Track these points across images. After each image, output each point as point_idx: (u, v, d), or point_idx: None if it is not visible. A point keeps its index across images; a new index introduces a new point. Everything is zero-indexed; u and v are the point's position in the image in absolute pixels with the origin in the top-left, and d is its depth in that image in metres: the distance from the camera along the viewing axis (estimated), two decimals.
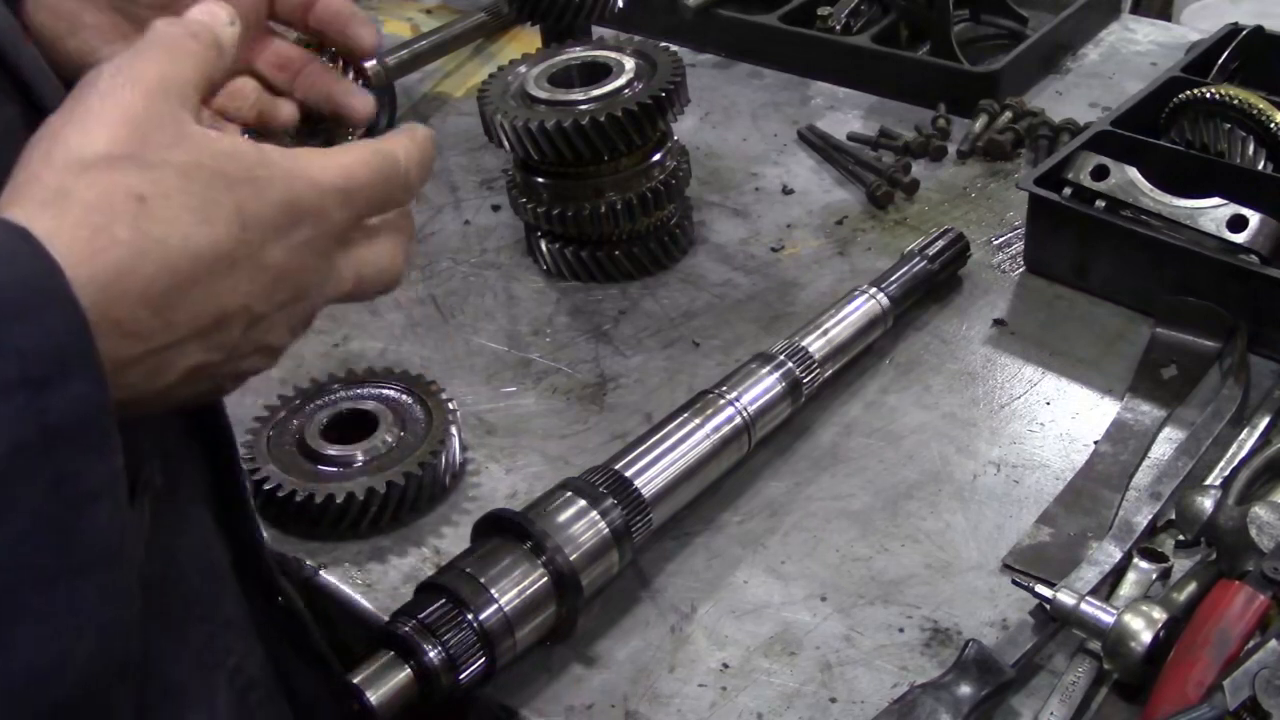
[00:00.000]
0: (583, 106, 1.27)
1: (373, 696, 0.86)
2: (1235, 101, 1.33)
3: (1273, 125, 1.32)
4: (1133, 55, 1.79)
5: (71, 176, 0.58)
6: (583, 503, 0.97)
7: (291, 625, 0.98)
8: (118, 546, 0.57)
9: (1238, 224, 1.18)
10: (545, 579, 0.93)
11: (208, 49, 0.68)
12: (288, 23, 1.09)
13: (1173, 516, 1.01)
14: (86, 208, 0.57)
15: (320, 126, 1.43)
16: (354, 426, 1.12)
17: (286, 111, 0.93)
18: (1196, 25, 2.02)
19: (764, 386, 1.12)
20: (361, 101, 1.05)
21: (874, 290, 1.23)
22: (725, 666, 0.95)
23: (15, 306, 0.51)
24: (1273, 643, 0.80)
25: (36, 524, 0.52)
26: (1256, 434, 1.09)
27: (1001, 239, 1.40)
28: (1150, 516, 1.01)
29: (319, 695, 0.97)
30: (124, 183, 0.59)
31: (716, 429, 1.07)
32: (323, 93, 1.07)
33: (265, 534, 1.08)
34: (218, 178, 0.62)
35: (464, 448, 1.15)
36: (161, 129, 0.62)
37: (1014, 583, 0.96)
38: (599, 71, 1.33)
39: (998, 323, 1.28)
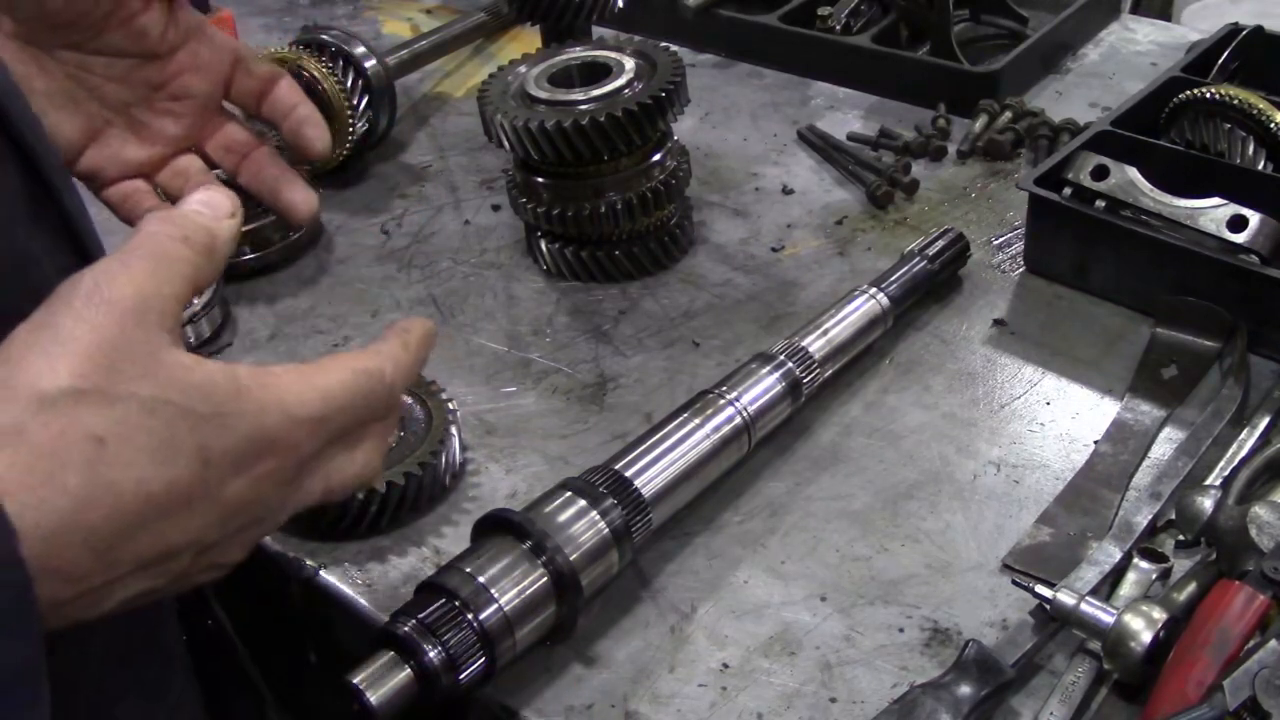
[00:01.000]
0: (583, 106, 1.27)
1: (373, 697, 0.85)
2: (1235, 101, 1.33)
3: (1273, 125, 1.32)
4: (1133, 55, 1.79)
5: (29, 413, 0.55)
6: (583, 503, 0.97)
7: (222, 652, 0.97)
8: None
9: (1238, 224, 1.18)
10: (545, 579, 0.93)
11: (199, 255, 0.65)
12: (242, 106, 1.08)
13: (1173, 516, 1.01)
14: (39, 452, 0.54)
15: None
16: None
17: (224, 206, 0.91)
18: (1196, 25, 2.02)
19: (764, 386, 1.12)
20: (304, 199, 1.04)
21: (874, 290, 1.23)
22: (725, 666, 0.95)
23: None
24: (1273, 643, 0.80)
25: None
26: (1256, 434, 1.09)
27: (1001, 239, 1.40)
28: (1150, 516, 1.01)
29: (236, 670, 0.97)
30: (83, 424, 0.56)
31: (716, 429, 1.07)
32: (267, 184, 1.08)
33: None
34: (184, 415, 0.59)
35: (464, 448, 1.15)
36: (132, 359, 0.59)
37: (1014, 583, 0.96)
38: (599, 71, 1.33)
39: (998, 323, 1.28)
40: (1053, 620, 0.92)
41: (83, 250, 0.77)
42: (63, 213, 0.76)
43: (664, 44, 1.37)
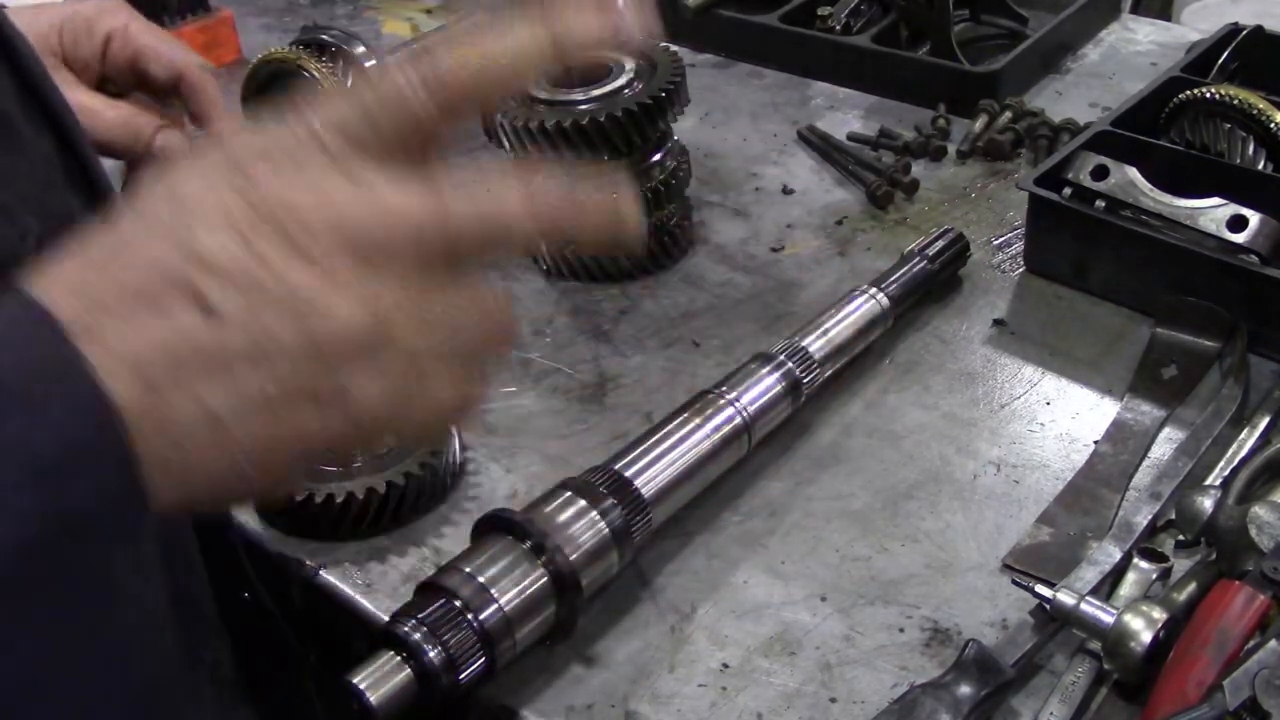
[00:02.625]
0: (583, 106, 1.27)
1: (373, 697, 0.85)
2: (1235, 101, 1.33)
3: (1273, 125, 1.32)
4: (1133, 55, 1.79)
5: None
6: (583, 503, 0.97)
7: (261, 622, 0.97)
8: (155, 621, 0.52)
9: (1238, 224, 1.18)
10: (545, 579, 0.93)
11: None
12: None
13: (1173, 516, 1.01)
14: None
15: None
16: None
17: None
18: (1196, 25, 2.02)
19: (764, 386, 1.12)
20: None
21: (874, 290, 1.23)
22: (725, 666, 0.95)
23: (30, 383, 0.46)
24: (1273, 643, 0.80)
25: (61, 615, 0.47)
26: (1256, 434, 1.09)
27: (1001, 239, 1.40)
28: (1150, 516, 1.01)
29: (291, 696, 0.97)
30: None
31: (716, 429, 1.07)
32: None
33: (266, 534, 1.09)
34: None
35: (464, 448, 1.15)
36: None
37: (1014, 583, 0.96)
38: (599, 71, 1.33)
39: (998, 323, 1.28)
40: (1053, 620, 0.92)
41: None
42: (92, 180, 0.77)
43: (664, 44, 1.37)
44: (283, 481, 0.58)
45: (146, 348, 0.50)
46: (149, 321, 0.50)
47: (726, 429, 1.08)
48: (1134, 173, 1.25)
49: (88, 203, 0.76)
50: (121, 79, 1.16)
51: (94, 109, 1.11)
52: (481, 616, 0.89)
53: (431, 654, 0.87)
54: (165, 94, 1.17)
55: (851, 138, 1.60)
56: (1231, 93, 1.34)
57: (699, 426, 1.07)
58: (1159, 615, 0.87)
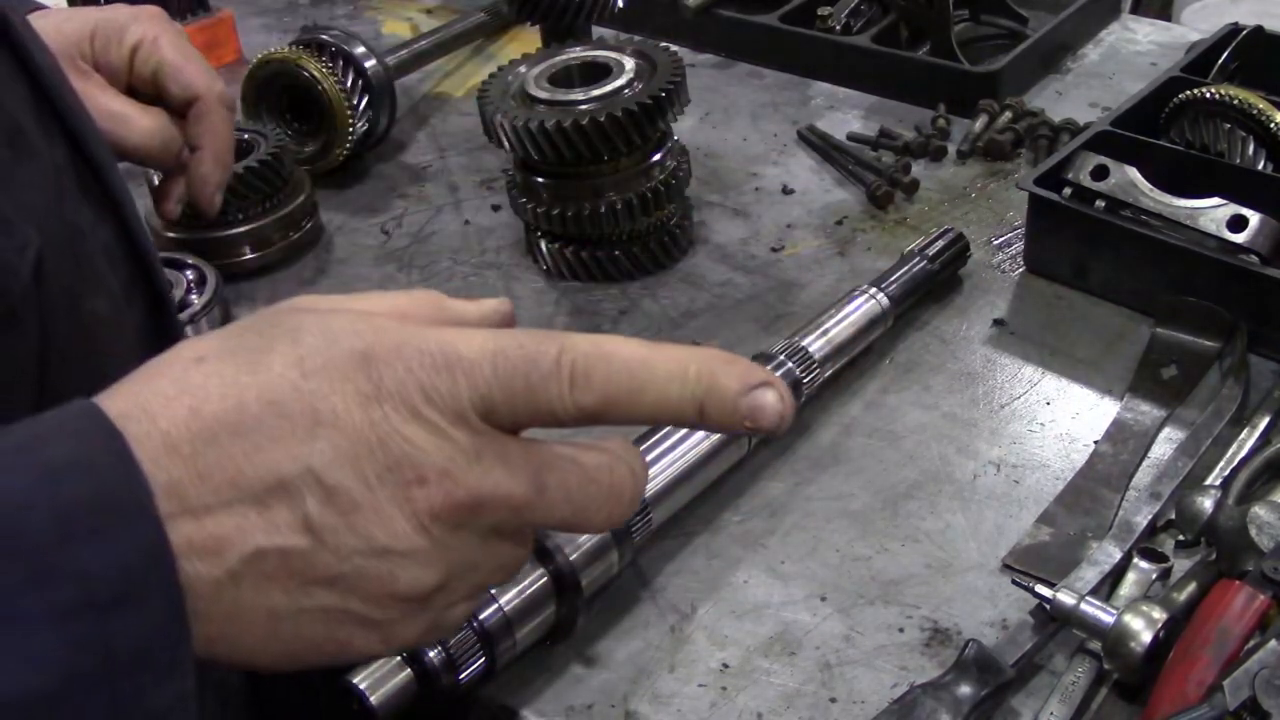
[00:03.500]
0: (583, 106, 1.27)
1: (373, 697, 0.85)
2: (1235, 101, 1.33)
3: (1273, 125, 1.32)
4: (1133, 55, 1.79)
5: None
6: None
7: None
8: None
9: (1238, 224, 1.18)
10: (545, 579, 0.93)
11: None
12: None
13: (1173, 516, 1.01)
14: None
15: (317, 128, 1.46)
16: None
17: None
18: (1196, 25, 2.02)
19: None
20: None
21: (874, 290, 1.23)
22: (725, 666, 0.95)
23: (91, 524, 0.47)
24: (1273, 643, 0.80)
25: None
26: (1256, 434, 1.09)
27: (1001, 239, 1.40)
28: (1150, 516, 1.01)
29: (291, 703, 0.97)
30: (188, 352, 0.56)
31: None
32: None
33: None
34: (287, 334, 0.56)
35: None
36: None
37: (1014, 583, 0.96)
38: (599, 71, 1.33)
39: (998, 323, 1.28)
40: (1053, 620, 0.92)
41: (124, 224, 0.78)
42: (106, 189, 0.77)
43: (664, 44, 1.37)
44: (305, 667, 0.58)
45: (240, 539, 0.52)
46: (250, 516, 0.52)
47: None
48: (1134, 173, 1.25)
49: (100, 213, 0.76)
50: (144, 89, 1.16)
51: (126, 115, 1.11)
52: (481, 616, 0.89)
53: (431, 654, 0.87)
54: (178, 114, 1.17)
55: (851, 138, 1.60)
56: (1231, 93, 1.34)
57: None
58: (1159, 615, 0.87)
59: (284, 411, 0.53)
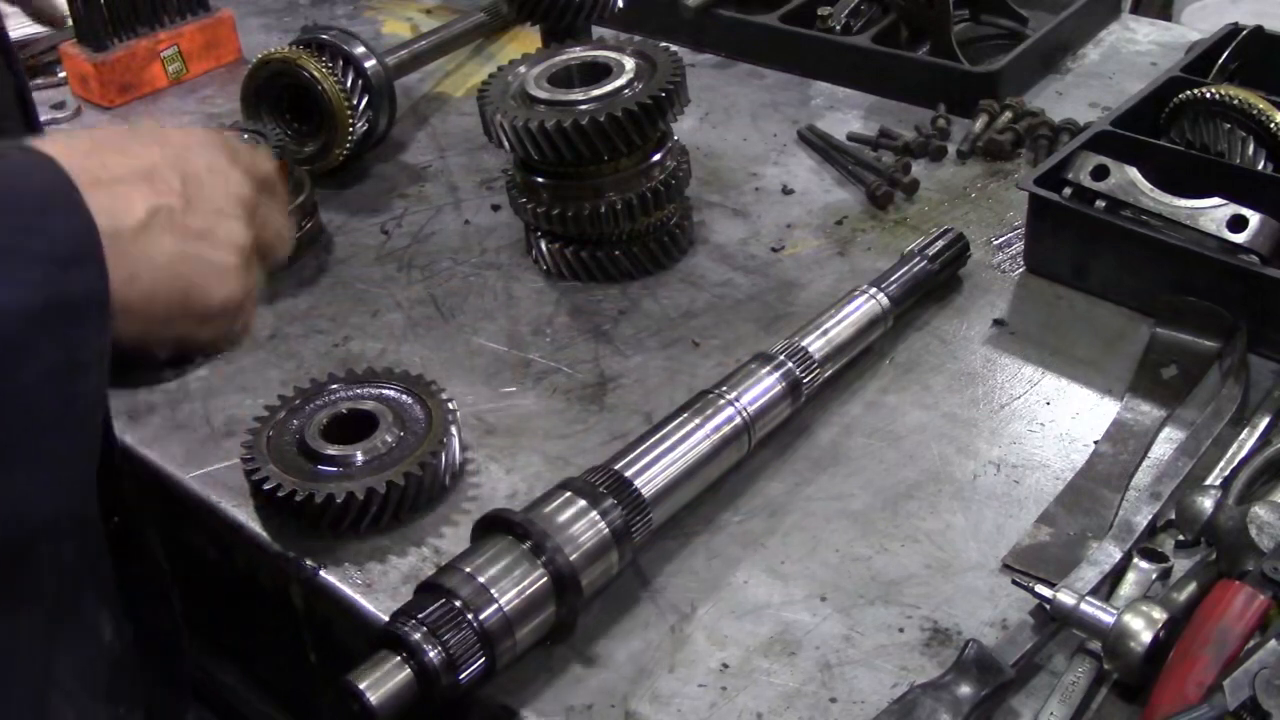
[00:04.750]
0: (583, 106, 1.27)
1: (373, 697, 0.86)
2: (1235, 101, 1.33)
3: (1273, 125, 1.32)
4: (1133, 55, 1.79)
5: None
6: (583, 503, 0.97)
7: (130, 534, 1.06)
8: (98, 412, 0.73)
9: (1238, 224, 1.18)
10: (545, 579, 0.93)
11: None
12: None
13: (1173, 516, 1.01)
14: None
15: (318, 128, 1.47)
16: (354, 426, 1.12)
17: None
18: (1196, 25, 2.02)
19: (764, 386, 1.12)
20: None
21: (874, 290, 1.23)
22: (725, 666, 0.95)
23: (46, 202, 0.69)
24: (1273, 643, 0.80)
25: (49, 376, 0.66)
26: (1256, 434, 1.09)
27: (1001, 239, 1.40)
28: (1150, 516, 1.01)
29: (157, 614, 1.09)
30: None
31: (716, 429, 1.07)
32: None
33: (265, 534, 1.09)
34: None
35: (464, 448, 1.15)
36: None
37: (1014, 583, 0.96)
38: (599, 71, 1.33)
39: (998, 323, 1.28)
40: (1053, 620, 0.92)
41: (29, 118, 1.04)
42: (28, 106, 1.03)
43: (664, 44, 1.37)
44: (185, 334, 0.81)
45: (141, 200, 0.75)
46: (143, 186, 0.76)
47: (726, 429, 1.08)
48: (1134, 173, 1.25)
49: (27, 129, 1.00)
50: None
51: None
52: (481, 616, 0.89)
53: (431, 654, 0.87)
54: None
55: (851, 138, 1.60)
56: (1231, 93, 1.34)
57: (699, 426, 1.07)
58: (1159, 615, 0.87)
59: (146, 136, 0.80)
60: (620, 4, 1.60)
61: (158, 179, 0.78)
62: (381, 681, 0.86)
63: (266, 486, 1.07)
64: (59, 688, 0.87)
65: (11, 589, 0.79)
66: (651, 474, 1.02)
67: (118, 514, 1.05)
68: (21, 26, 1.89)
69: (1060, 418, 1.15)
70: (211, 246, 0.80)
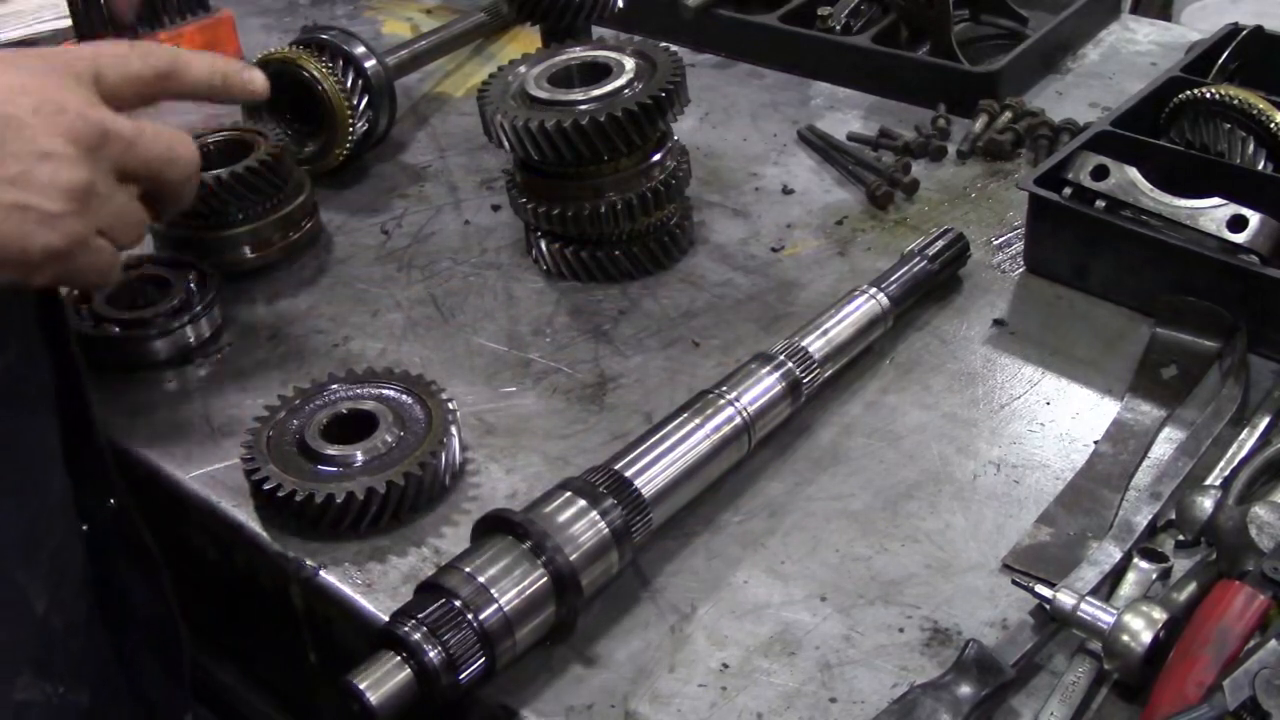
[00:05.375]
0: (583, 106, 1.27)
1: (373, 697, 0.86)
2: (1235, 101, 1.33)
3: (1273, 125, 1.32)
4: (1133, 55, 1.79)
5: None
6: (583, 503, 0.97)
7: (122, 525, 1.07)
8: None
9: (1238, 224, 1.18)
10: (545, 579, 0.93)
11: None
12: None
13: (1173, 516, 1.01)
14: None
15: (318, 128, 1.48)
16: (354, 426, 1.12)
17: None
18: (1196, 25, 2.02)
19: (764, 386, 1.12)
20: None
21: (874, 290, 1.23)
22: (725, 666, 0.95)
23: None
24: (1273, 643, 0.80)
25: None
26: (1256, 434, 1.09)
27: (1001, 239, 1.40)
28: (1150, 516, 1.01)
29: (153, 607, 1.11)
30: None
31: (716, 429, 1.07)
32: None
33: (265, 534, 1.09)
34: None
35: (464, 448, 1.15)
36: None
37: (1014, 583, 0.96)
38: (599, 71, 1.33)
39: (998, 323, 1.28)
40: (1053, 620, 0.92)
41: None
42: None
43: (664, 44, 1.37)
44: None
45: None
46: None
47: (726, 429, 1.08)
48: (1134, 173, 1.25)
49: None
50: None
51: None
52: (481, 616, 0.89)
53: (431, 654, 0.87)
54: None
55: (851, 138, 1.60)
56: (1231, 93, 1.34)
57: (699, 426, 1.07)
58: (1159, 615, 0.87)
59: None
60: (620, 4, 1.60)
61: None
62: (381, 681, 0.86)
63: (266, 486, 1.07)
64: None
65: None
66: (651, 474, 1.02)
67: (113, 496, 1.06)
68: (22, 27, 1.89)
69: (1060, 418, 1.15)
70: (22, 191, 0.80)
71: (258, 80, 0.99)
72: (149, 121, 0.92)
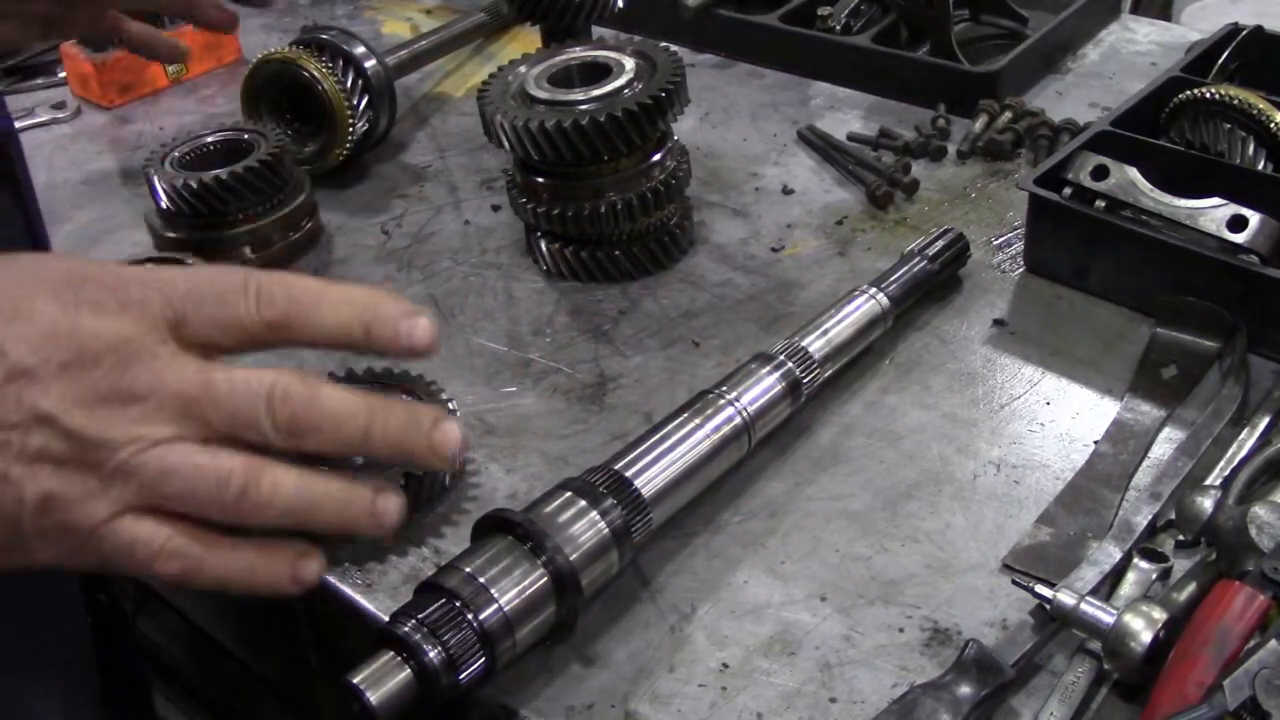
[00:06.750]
0: (583, 106, 1.27)
1: (373, 697, 0.85)
2: (1235, 101, 1.33)
3: (1273, 125, 1.32)
4: (1133, 55, 1.79)
5: None
6: (583, 503, 0.97)
7: (115, 627, 1.00)
8: None
9: (1238, 224, 1.18)
10: (545, 579, 0.93)
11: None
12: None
13: (1173, 516, 1.01)
14: None
15: (318, 128, 1.48)
16: None
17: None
18: (1196, 25, 2.02)
19: (764, 386, 1.12)
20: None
21: (874, 290, 1.23)
22: (725, 666, 0.95)
23: None
24: (1273, 643, 0.80)
25: None
26: (1256, 434, 1.09)
27: (1001, 239, 1.40)
28: (1150, 516, 1.01)
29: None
30: None
31: (716, 429, 1.07)
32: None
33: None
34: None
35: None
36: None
37: (1014, 583, 0.96)
38: (599, 71, 1.33)
39: (998, 323, 1.28)
40: (1053, 620, 0.92)
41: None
42: None
43: (664, 44, 1.37)
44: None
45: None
46: None
47: (726, 429, 1.08)
48: (1134, 173, 1.25)
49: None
50: None
51: None
52: (481, 616, 0.89)
53: (431, 654, 0.87)
54: None
55: (851, 138, 1.60)
56: (1231, 93, 1.34)
57: (699, 426, 1.07)
58: (1159, 615, 0.87)
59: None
60: (620, 4, 1.60)
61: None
62: (381, 681, 0.86)
63: None
64: None
65: None
66: (651, 474, 1.02)
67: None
68: None
69: (1060, 418, 1.15)
70: (3, 464, 0.63)
71: (419, 332, 0.71)
72: (228, 370, 0.69)
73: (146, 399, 0.65)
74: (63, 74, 1.91)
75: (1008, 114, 1.59)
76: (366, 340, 0.70)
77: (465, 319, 1.35)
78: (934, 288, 1.30)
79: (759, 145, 1.63)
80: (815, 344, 1.17)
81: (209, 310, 0.67)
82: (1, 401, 0.62)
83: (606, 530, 0.97)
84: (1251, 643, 0.83)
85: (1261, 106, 1.32)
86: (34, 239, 0.91)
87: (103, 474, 0.64)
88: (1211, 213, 1.20)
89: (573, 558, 0.94)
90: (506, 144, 1.29)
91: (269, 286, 0.69)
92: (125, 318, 0.65)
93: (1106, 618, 0.88)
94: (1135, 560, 0.97)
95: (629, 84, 1.29)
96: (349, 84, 1.54)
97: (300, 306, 0.69)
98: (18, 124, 1.39)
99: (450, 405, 1.14)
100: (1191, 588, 0.93)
